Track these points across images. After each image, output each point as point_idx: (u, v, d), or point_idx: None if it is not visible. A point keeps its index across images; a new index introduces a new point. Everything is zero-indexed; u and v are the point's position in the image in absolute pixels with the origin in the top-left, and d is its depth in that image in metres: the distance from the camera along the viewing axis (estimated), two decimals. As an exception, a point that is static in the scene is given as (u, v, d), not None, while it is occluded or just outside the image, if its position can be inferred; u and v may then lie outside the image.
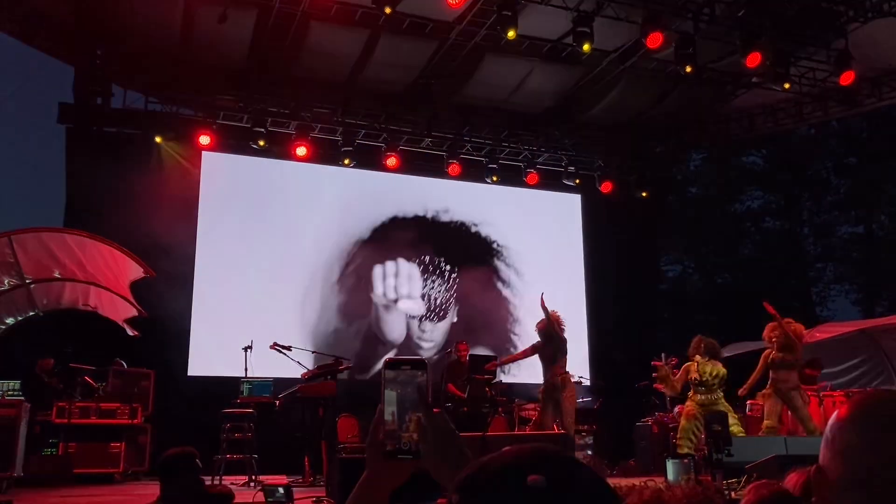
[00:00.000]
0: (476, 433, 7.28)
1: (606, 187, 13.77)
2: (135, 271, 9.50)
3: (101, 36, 11.11)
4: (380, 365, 12.20)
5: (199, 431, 8.32)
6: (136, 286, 9.65)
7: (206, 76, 11.73)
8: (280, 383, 9.30)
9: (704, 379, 8.16)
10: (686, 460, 7.47)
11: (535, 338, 8.97)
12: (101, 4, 10.58)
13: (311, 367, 9.04)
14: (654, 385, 11.05)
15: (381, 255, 13.05)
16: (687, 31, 10.41)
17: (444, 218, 13.63)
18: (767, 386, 8.62)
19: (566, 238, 14.40)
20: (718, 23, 10.43)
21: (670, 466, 7.35)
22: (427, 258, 13.28)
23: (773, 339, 8.51)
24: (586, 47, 9.90)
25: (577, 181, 13.82)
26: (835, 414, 1.12)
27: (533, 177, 13.45)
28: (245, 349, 9.23)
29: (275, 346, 9.06)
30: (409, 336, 12.93)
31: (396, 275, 13.08)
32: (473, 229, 13.78)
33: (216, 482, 7.82)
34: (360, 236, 13.03)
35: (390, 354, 12.33)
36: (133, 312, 9.72)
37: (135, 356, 9.97)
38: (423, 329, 13.01)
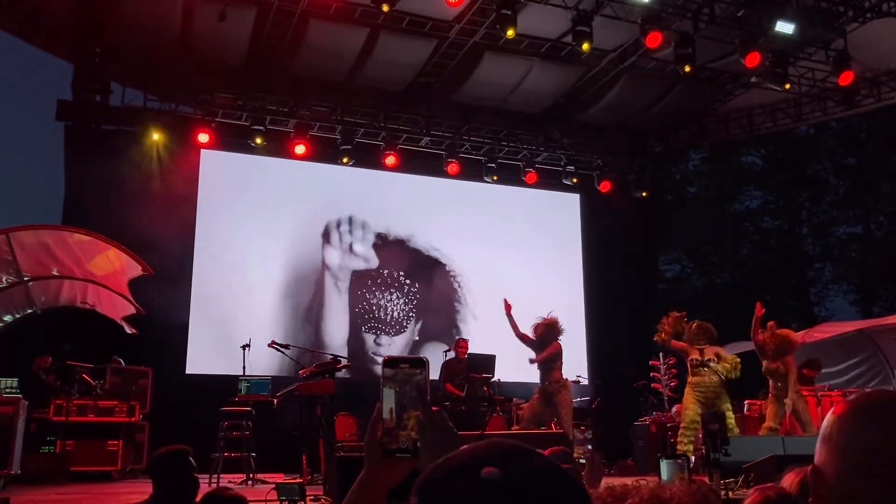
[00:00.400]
0: (474, 432, 7.28)
1: (605, 187, 13.77)
2: (133, 269, 9.49)
3: (101, 34, 11.10)
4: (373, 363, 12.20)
5: (197, 429, 8.31)
6: (134, 284, 9.64)
7: (205, 74, 11.72)
8: (278, 382, 9.30)
9: (705, 359, 8.13)
10: (680, 460, 7.46)
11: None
12: (100, 2, 10.57)
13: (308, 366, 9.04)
14: (652, 384, 11.11)
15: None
16: (686, 30, 10.41)
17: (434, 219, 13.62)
18: (769, 394, 8.60)
19: (565, 238, 14.39)
20: (718, 22, 10.44)
21: (664, 466, 7.35)
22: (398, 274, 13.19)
23: (766, 348, 8.43)
24: (585, 46, 9.90)
25: (576, 180, 13.82)
26: (830, 412, 1.11)
27: (532, 176, 13.45)
28: (243, 347, 9.22)
29: (273, 344, 9.06)
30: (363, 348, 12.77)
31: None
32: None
33: (214, 480, 7.81)
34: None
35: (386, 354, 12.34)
36: (131, 310, 9.71)
37: (133, 354, 9.96)
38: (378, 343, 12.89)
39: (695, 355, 8.24)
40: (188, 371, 11.44)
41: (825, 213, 25.90)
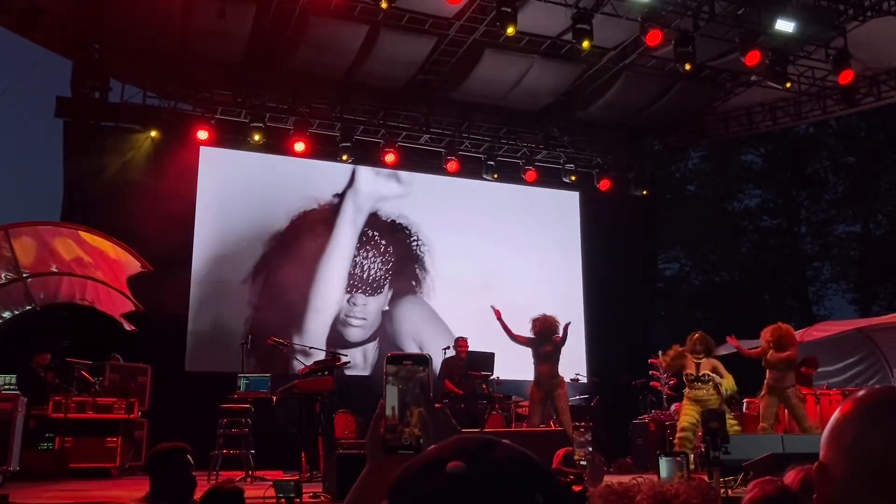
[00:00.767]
0: (473, 430, 7.28)
1: (605, 185, 13.77)
2: (132, 266, 9.48)
3: (100, 30, 11.07)
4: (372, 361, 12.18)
5: (196, 426, 8.29)
6: (133, 281, 9.63)
7: (205, 71, 11.70)
8: (277, 379, 9.29)
9: (700, 374, 8.16)
10: (679, 458, 7.46)
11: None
12: (99, -2, 10.55)
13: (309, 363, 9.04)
14: (651, 383, 11.11)
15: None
16: (686, 28, 10.40)
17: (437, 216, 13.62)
18: (763, 387, 8.63)
19: (564, 236, 14.39)
20: (718, 21, 10.43)
21: (663, 464, 7.35)
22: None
23: (769, 341, 8.51)
24: (586, 44, 9.89)
25: (576, 178, 13.82)
26: (838, 410, 1.10)
27: (531, 174, 13.44)
28: (242, 344, 9.21)
29: (273, 340, 9.05)
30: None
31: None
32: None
33: (213, 478, 7.81)
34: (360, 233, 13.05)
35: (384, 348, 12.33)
36: (130, 307, 9.70)
37: (132, 351, 9.95)
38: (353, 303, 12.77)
39: (690, 370, 8.26)
40: (187, 368, 11.43)
41: (824, 212, 25.93)
